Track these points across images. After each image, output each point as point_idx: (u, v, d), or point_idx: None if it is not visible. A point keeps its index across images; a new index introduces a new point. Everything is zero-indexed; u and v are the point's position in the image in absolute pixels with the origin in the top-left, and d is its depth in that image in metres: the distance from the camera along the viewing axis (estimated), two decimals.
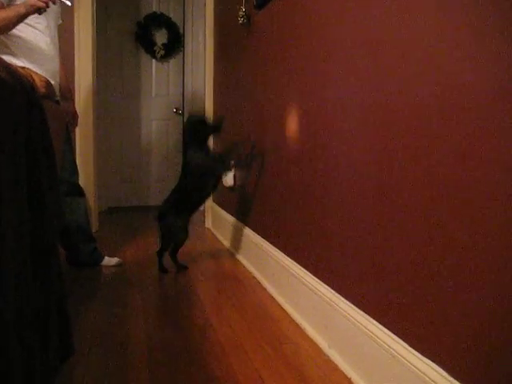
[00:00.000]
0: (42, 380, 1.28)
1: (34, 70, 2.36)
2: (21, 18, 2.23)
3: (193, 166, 2.87)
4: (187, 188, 2.90)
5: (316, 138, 1.99)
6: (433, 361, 1.22)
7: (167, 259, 2.91)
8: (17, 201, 1.14)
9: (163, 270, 2.89)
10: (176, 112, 5.71)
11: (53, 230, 1.42)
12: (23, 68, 2.29)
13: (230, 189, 3.63)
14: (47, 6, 2.22)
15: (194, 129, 2.88)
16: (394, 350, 1.37)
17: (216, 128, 2.98)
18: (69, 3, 2.41)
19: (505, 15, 1.01)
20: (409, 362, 1.29)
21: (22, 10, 2.19)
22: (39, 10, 2.22)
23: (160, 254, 2.93)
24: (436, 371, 1.19)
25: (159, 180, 5.76)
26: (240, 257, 3.20)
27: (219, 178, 3.09)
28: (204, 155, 2.90)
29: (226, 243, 3.68)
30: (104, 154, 5.30)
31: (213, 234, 4.20)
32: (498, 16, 1.03)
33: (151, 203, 5.59)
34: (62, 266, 1.56)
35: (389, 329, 1.43)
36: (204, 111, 3.02)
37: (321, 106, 1.95)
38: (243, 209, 3.28)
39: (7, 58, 2.30)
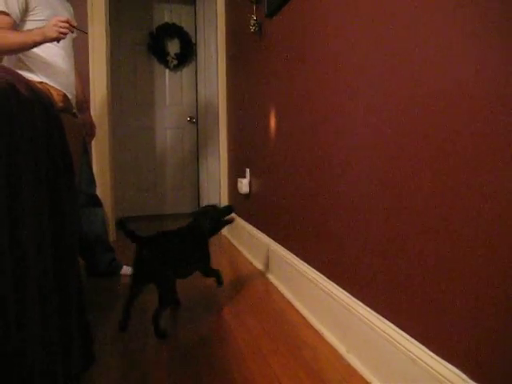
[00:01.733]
0: None
1: (51, 84, 2.41)
2: (35, 46, 2.28)
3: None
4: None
5: (332, 142, 2.01)
6: (452, 364, 1.23)
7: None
8: (38, 213, 1.17)
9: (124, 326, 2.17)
10: (190, 120, 5.76)
11: (72, 241, 1.45)
12: (41, 83, 2.34)
13: (246, 196, 3.65)
14: (65, 37, 2.28)
15: (202, 219, 2.52)
16: (413, 353, 1.37)
17: (227, 212, 2.63)
18: (85, 32, 2.48)
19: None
20: (428, 366, 1.29)
21: (39, 39, 2.24)
22: (58, 41, 2.28)
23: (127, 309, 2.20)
24: (456, 374, 1.20)
25: (175, 188, 5.81)
26: (257, 263, 3.22)
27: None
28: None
29: (243, 250, 3.70)
30: (120, 163, 5.36)
31: (230, 241, 4.22)
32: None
33: (168, 211, 5.63)
34: (81, 276, 1.60)
35: (407, 332, 1.44)
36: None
37: (330, 110, 1.96)
38: (259, 215, 3.29)
39: (24, 74, 2.35)
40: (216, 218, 2.55)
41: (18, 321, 1.02)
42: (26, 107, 1.16)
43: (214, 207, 2.62)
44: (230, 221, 2.65)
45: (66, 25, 2.24)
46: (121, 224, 2.21)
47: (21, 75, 1.30)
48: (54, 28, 2.22)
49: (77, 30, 2.42)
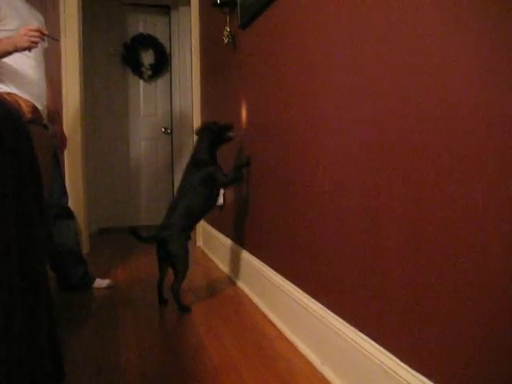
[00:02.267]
0: None
1: (20, 94, 2.37)
2: (5, 56, 2.25)
3: (202, 175, 2.72)
4: (194, 205, 2.72)
5: (304, 155, 2.01)
6: (424, 375, 1.23)
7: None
8: (4, 227, 1.15)
9: (163, 300, 2.70)
10: (165, 131, 5.73)
11: (41, 255, 1.42)
12: (9, 94, 2.30)
13: (220, 207, 3.63)
14: (37, 46, 2.25)
15: (209, 136, 2.79)
16: (385, 365, 1.37)
17: (229, 137, 2.84)
18: (57, 39, 2.46)
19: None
20: (401, 377, 1.29)
21: (10, 49, 2.21)
22: (29, 49, 2.25)
23: (160, 284, 2.70)
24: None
25: (149, 200, 5.77)
26: (232, 275, 3.20)
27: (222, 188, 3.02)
28: (213, 166, 2.77)
29: (218, 262, 3.68)
30: (93, 175, 5.30)
31: (204, 252, 4.19)
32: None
33: (142, 223, 5.58)
34: (51, 290, 1.56)
35: (380, 344, 1.44)
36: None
37: (306, 122, 1.97)
38: (234, 227, 3.28)
39: None
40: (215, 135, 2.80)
41: None
42: None
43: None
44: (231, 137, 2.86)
45: (37, 33, 2.21)
46: (133, 232, 2.66)
47: None
48: (25, 37, 2.19)
49: (48, 38, 2.39)
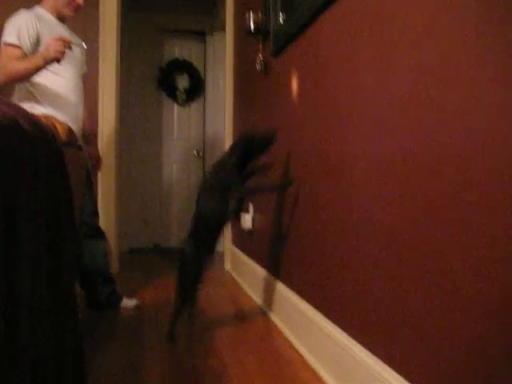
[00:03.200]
0: None
1: (57, 116, 2.45)
2: (39, 70, 2.33)
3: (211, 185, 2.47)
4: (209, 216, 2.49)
5: (336, 185, 2.02)
6: None
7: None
8: (36, 248, 1.18)
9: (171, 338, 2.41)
10: (197, 155, 5.81)
11: (71, 275, 1.46)
12: (46, 116, 2.38)
13: (249, 232, 3.65)
14: (63, 56, 2.31)
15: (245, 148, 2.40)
16: None
17: (266, 141, 2.44)
18: (84, 46, 2.51)
19: None
20: None
21: (41, 64, 2.29)
22: (58, 60, 2.31)
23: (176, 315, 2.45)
24: None
25: (180, 222, 5.81)
26: (258, 300, 3.20)
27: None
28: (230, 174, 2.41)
29: (245, 286, 3.68)
30: (126, 195, 5.39)
31: (232, 277, 4.21)
32: None
33: (172, 244, 5.63)
34: (78, 308, 1.59)
35: (403, 376, 1.43)
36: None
37: (338, 151, 1.98)
38: (260, 251, 3.29)
39: (31, 105, 2.41)
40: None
41: (8, 355, 1.02)
42: (28, 142, 1.18)
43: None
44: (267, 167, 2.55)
45: (61, 43, 2.27)
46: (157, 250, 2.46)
47: (23, 109, 1.33)
48: (51, 48, 2.26)
49: (75, 45, 2.42)
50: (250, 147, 2.40)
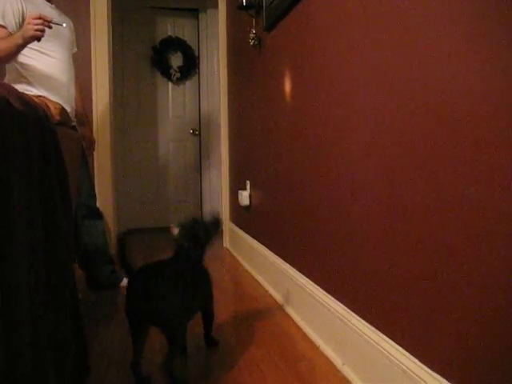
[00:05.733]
0: None
1: (50, 97, 2.43)
2: (20, 49, 2.29)
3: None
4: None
5: (335, 155, 2.02)
6: (442, 376, 1.22)
7: None
8: (31, 227, 1.18)
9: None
10: (193, 133, 5.78)
11: (67, 254, 1.46)
12: (38, 97, 2.36)
13: (246, 208, 3.65)
14: (43, 34, 2.26)
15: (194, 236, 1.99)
16: (404, 365, 1.37)
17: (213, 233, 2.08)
18: (64, 25, 2.46)
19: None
20: (419, 377, 1.29)
21: (20, 41, 2.24)
22: (38, 39, 2.26)
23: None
24: None
25: (177, 201, 5.81)
26: (257, 275, 3.21)
27: None
28: None
29: (244, 262, 3.70)
30: (122, 176, 5.38)
31: (231, 253, 4.22)
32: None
33: (170, 224, 5.62)
34: (77, 287, 1.60)
35: (400, 344, 1.44)
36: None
37: (329, 121, 1.97)
38: (258, 227, 3.30)
39: (23, 87, 2.38)
40: (204, 240, 2.02)
41: (7, 337, 1.02)
42: (19, 121, 1.17)
43: (201, 225, 2.03)
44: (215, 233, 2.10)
45: (40, 21, 2.21)
46: (120, 242, 1.81)
47: (14, 89, 1.32)
48: (29, 26, 2.21)
49: (55, 24, 2.36)
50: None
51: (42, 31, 2.24)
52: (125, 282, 3.06)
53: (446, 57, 1.20)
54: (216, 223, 2.09)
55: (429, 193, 1.28)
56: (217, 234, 2.11)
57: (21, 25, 2.37)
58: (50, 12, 2.54)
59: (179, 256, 1.91)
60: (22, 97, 1.30)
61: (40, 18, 2.22)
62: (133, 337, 1.72)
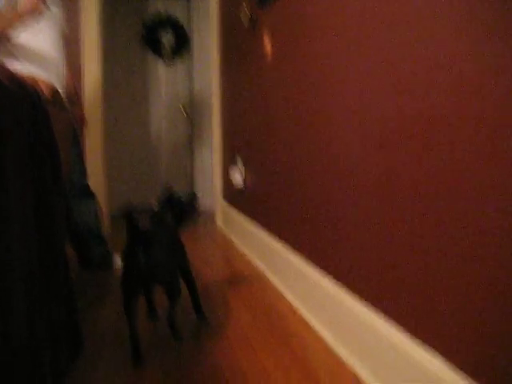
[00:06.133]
0: (54, 381, 1.32)
1: (41, 76, 2.41)
2: (15, 28, 2.26)
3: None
4: None
5: (325, 138, 2.02)
6: (433, 348, 1.24)
7: None
8: (23, 206, 1.18)
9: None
10: (184, 111, 5.75)
11: (60, 232, 1.46)
12: (29, 75, 2.34)
13: (240, 188, 3.66)
14: (40, 13, 2.23)
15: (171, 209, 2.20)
16: (393, 339, 1.39)
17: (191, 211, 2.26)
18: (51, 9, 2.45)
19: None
20: (407, 353, 1.31)
21: (16, 20, 2.22)
22: (34, 15, 2.24)
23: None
24: (434, 360, 1.21)
25: (169, 179, 5.81)
26: (250, 254, 3.23)
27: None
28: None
29: (237, 241, 3.71)
30: (114, 155, 5.38)
31: (224, 232, 4.23)
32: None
33: (150, 200, 5.65)
34: (69, 267, 1.60)
35: (391, 319, 1.46)
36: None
37: (325, 104, 1.97)
38: (252, 207, 3.31)
39: (13, 64, 2.35)
40: (180, 212, 2.18)
41: (1, 320, 1.03)
42: (9, 98, 1.16)
43: (176, 199, 2.20)
44: (194, 211, 2.28)
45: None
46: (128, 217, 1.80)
47: (6, 68, 1.31)
48: (28, 4, 2.17)
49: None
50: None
51: (39, 10, 2.22)
52: (117, 262, 3.07)
53: (442, 42, 1.20)
54: (191, 198, 2.28)
55: (423, 165, 1.29)
56: (193, 207, 2.28)
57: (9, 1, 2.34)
58: None
59: (162, 225, 2.11)
60: (13, 76, 1.29)
61: None
62: (145, 295, 2.14)
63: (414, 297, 1.34)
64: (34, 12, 2.23)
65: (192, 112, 5.77)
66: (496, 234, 1.02)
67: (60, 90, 2.56)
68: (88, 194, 2.99)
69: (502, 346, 1.03)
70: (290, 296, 2.36)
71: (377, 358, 1.50)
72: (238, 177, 3.57)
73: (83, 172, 2.97)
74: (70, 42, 3.09)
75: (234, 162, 3.71)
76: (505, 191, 1.00)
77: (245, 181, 3.53)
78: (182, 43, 5.72)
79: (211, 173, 5.33)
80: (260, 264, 2.97)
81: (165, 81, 5.77)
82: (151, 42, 5.65)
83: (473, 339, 1.10)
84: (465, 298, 1.12)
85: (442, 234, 1.20)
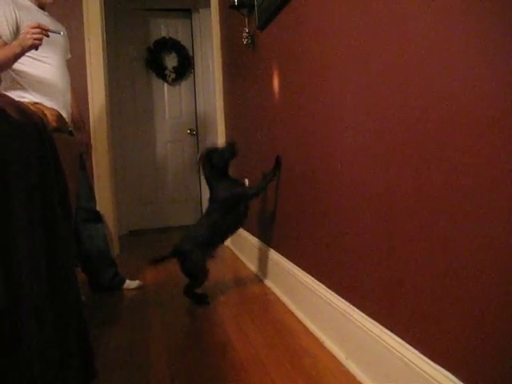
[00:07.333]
0: None
1: (45, 103, 2.44)
2: (17, 58, 2.30)
3: (222, 198, 2.75)
4: (220, 223, 2.75)
5: (327, 152, 2.03)
6: (443, 367, 1.24)
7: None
8: (32, 234, 1.20)
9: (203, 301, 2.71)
10: (190, 133, 5.79)
11: (68, 257, 1.47)
12: (34, 104, 2.37)
13: None
14: (41, 43, 2.28)
15: (211, 161, 2.77)
16: (406, 358, 1.39)
17: (231, 154, 2.83)
18: (61, 33, 2.49)
19: None
20: (421, 369, 1.31)
21: (18, 50, 2.26)
22: (36, 47, 2.29)
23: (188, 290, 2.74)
24: (446, 376, 1.21)
25: (176, 201, 5.83)
26: (259, 274, 3.23)
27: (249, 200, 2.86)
28: (230, 184, 2.82)
29: (246, 261, 3.71)
30: (121, 178, 5.40)
31: (233, 252, 4.24)
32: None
33: (170, 224, 5.67)
34: (81, 292, 1.62)
35: (402, 338, 1.46)
36: (215, 144, 2.91)
37: (324, 117, 1.99)
38: (260, 226, 3.31)
39: (19, 94, 2.39)
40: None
41: (14, 348, 1.04)
42: (17, 130, 1.19)
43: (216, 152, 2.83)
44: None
45: (38, 30, 2.25)
46: (155, 261, 2.83)
47: (11, 98, 1.33)
48: (28, 36, 2.23)
49: (52, 32, 2.38)
50: (215, 158, 2.79)
51: (41, 40, 2.27)
52: (127, 283, 3.08)
53: (441, 43, 1.22)
54: (230, 146, 2.88)
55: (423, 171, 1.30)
56: (233, 155, 2.85)
57: (15, 33, 2.38)
58: (45, 19, 2.55)
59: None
60: (18, 106, 1.31)
61: (38, 27, 2.25)
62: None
63: (420, 314, 1.34)
64: (36, 45, 2.27)
65: (198, 132, 5.80)
66: (499, 247, 1.03)
67: (66, 116, 2.60)
68: (96, 217, 3.01)
69: (490, 353, 1.03)
70: (300, 313, 2.35)
71: (385, 372, 1.49)
72: None
73: (91, 197, 3.00)
74: (75, 67, 3.12)
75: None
76: (507, 206, 1.01)
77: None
78: (186, 65, 5.77)
79: None
80: (269, 282, 2.96)
81: (169, 102, 5.81)
82: (155, 65, 5.70)
83: (483, 358, 1.10)
84: (473, 320, 1.13)
85: (448, 253, 1.21)
